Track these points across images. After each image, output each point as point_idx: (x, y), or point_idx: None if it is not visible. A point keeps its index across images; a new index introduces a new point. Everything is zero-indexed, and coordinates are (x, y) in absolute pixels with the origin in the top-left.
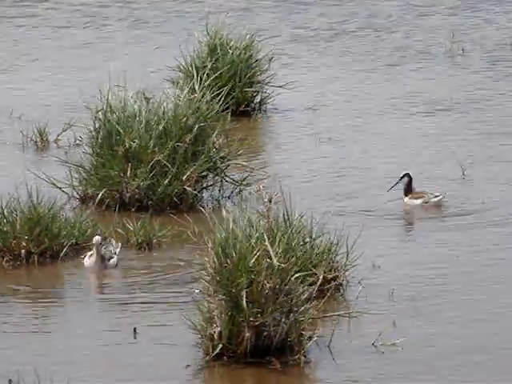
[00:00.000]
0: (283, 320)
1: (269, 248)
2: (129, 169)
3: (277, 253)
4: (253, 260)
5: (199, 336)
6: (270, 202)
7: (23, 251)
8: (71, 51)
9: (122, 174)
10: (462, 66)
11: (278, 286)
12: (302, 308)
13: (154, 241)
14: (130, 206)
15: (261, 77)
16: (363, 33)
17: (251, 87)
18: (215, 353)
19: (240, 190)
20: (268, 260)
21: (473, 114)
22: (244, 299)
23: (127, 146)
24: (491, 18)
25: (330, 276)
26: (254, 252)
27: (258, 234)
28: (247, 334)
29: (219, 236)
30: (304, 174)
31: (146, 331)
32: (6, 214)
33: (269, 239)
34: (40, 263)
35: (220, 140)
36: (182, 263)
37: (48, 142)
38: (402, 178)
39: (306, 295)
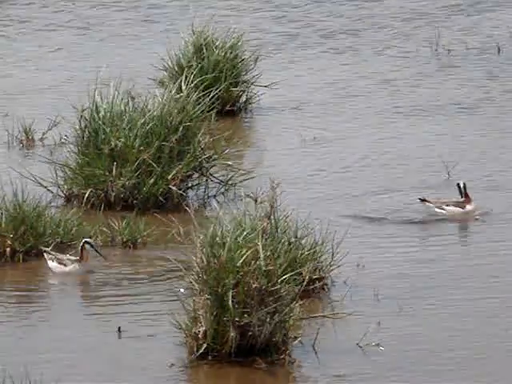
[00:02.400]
0: (268, 320)
1: (260, 251)
2: (114, 168)
3: (264, 255)
4: (241, 261)
5: (184, 335)
6: (272, 206)
7: (8, 249)
8: (58, 51)
9: (107, 173)
10: (449, 67)
11: (264, 287)
12: (288, 308)
13: (139, 240)
14: (115, 205)
15: (246, 76)
16: (350, 33)
17: (237, 87)
18: (200, 352)
19: (225, 190)
20: (255, 262)
21: (459, 116)
22: (230, 299)
23: (113, 145)
24: (479, 20)
25: (316, 276)
26: (242, 253)
27: (245, 234)
28: (232, 334)
29: (207, 235)
30: (289, 174)
31: (131, 330)
32: None
33: (261, 240)
34: (25, 261)
35: (205, 140)
36: (167, 262)
37: (34, 140)
38: (464, 188)
39: (291, 295)
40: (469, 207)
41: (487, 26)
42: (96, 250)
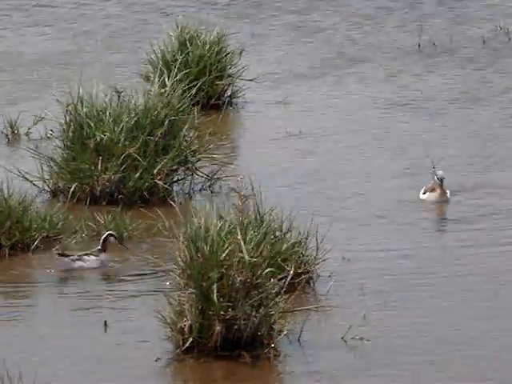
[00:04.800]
0: (253, 314)
1: (241, 243)
2: (99, 162)
3: (248, 248)
4: (224, 254)
5: (169, 329)
6: (245, 198)
7: None
8: (41, 44)
9: (92, 168)
10: (433, 61)
11: (248, 280)
12: (273, 302)
13: (125, 234)
14: (101, 200)
15: (231, 70)
16: (334, 27)
17: (221, 81)
18: (185, 346)
19: (210, 184)
20: (239, 254)
21: (444, 109)
22: (215, 293)
23: (98, 139)
24: (464, 13)
25: (301, 270)
26: (226, 246)
27: (229, 228)
28: (218, 328)
29: (190, 229)
30: (274, 169)
31: (117, 324)
32: None
33: (240, 233)
34: (11, 256)
35: (191, 134)
36: (152, 256)
37: (19, 134)
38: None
39: (276, 289)
40: None
41: (472, 19)
42: (120, 243)
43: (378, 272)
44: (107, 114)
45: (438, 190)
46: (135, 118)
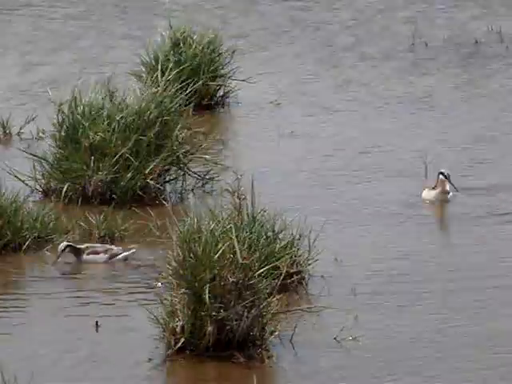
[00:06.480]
0: (246, 314)
1: (235, 244)
2: (92, 162)
3: (240, 249)
4: (217, 255)
5: (161, 330)
6: (240, 198)
7: None
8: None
9: (84, 168)
10: (425, 61)
11: (241, 281)
12: (265, 302)
13: (117, 234)
14: (93, 200)
15: (224, 70)
16: (327, 27)
17: (214, 81)
18: (177, 347)
19: (203, 184)
20: (232, 255)
21: (436, 108)
22: (207, 293)
23: (90, 139)
24: (457, 13)
25: (293, 270)
26: (219, 246)
27: (222, 228)
28: (210, 328)
29: (183, 230)
30: (266, 169)
31: (108, 324)
32: None
33: (235, 232)
34: (2, 256)
35: (183, 134)
36: (144, 257)
37: (11, 134)
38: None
39: (268, 289)
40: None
41: (465, 20)
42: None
43: (370, 273)
44: (101, 113)
45: (440, 188)
46: (128, 118)
